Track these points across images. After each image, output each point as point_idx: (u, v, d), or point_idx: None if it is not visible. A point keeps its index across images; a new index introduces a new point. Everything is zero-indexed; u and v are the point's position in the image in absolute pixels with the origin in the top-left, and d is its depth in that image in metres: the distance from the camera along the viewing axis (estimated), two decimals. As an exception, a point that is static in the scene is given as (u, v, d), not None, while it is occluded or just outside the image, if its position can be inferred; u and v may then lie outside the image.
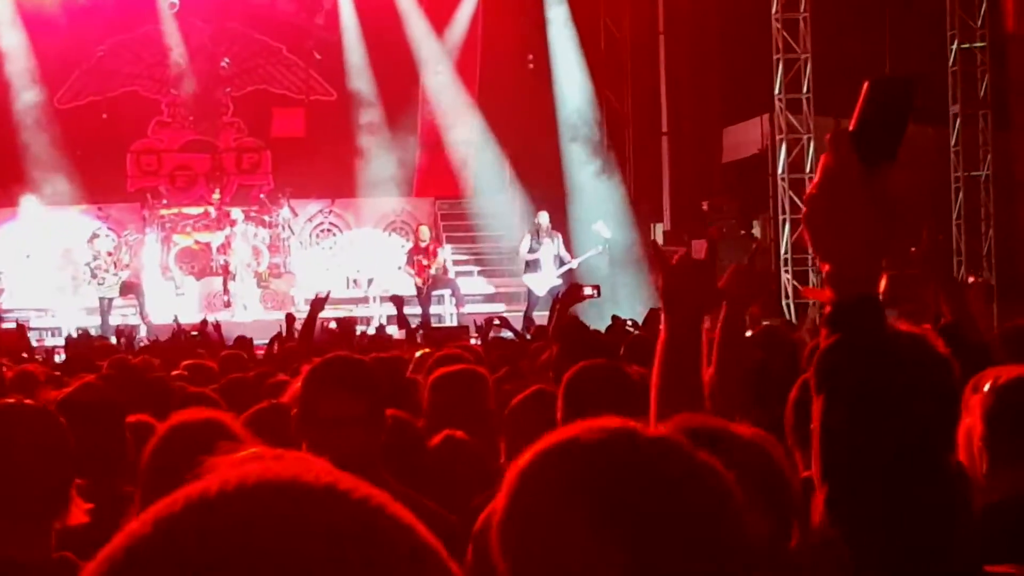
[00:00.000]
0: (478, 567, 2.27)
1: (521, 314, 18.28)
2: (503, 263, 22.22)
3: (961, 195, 19.81)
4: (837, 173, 1.90)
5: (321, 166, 21.94)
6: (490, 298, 21.45)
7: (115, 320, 19.26)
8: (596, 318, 13.57)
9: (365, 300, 20.85)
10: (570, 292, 9.24)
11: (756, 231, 21.27)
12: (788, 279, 19.69)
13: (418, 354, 8.00)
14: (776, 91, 19.89)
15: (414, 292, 19.36)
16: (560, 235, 20.04)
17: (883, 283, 1.91)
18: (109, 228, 21.50)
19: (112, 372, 7.21)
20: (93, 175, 21.68)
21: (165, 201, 22.27)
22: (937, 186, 19.64)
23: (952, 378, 2.23)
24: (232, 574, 0.86)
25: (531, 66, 22.64)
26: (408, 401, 5.08)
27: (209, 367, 8.08)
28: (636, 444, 1.50)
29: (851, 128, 1.91)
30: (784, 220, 19.81)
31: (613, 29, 23.07)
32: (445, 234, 22.41)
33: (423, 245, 19.86)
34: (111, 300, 19.44)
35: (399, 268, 20.36)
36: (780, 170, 19.94)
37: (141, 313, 19.39)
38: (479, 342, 11.12)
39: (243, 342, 11.98)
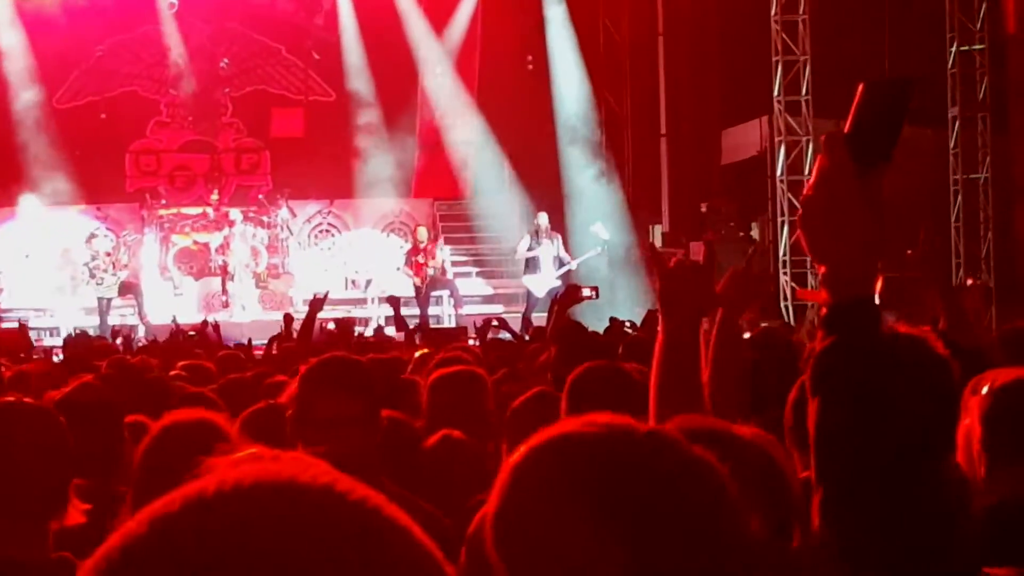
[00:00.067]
0: (471, 570, 2.27)
1: (520, 315, 18.28)
2: (502, 264, 22.22)
3: (960, 198, 19.81)
4: (832, 175, 1.90)
5: (320, 167, 21.95)
6: (488, 299, 21.45)
7: (114, 320, 19.25)
8: (594, 319, 13.57)
9: (363, 301, 20.85)
10: (568, 293, 9.24)
11: (755, 233, 21.28)
12: (786, 281, 19.69)
13: (417, 355, 8.01)
14: (775, 93, 19.90)
15: (412, 293, 19.37)
16: (560, 236, 20.04)
17: (879, 285, 1.91)
18: (108, 228, 21.50)
19: (111, 372, 7.21)
20: (92, 175, 21.68)
21: (164, 201, 22.28)
22: (936, 189, 19.65)
23: (951, 379, 2.22)
24: (229, 574, 0.86)
25: (530, 67, 22.65)
26: (406, 402, 5.08)
27: (207, 367, 8.07)
28: (632, 439, 1.49)
29: (846, 130, 1.91)
30: (783, 222, 19.82)
31: (612, 30, 23.07)
32: (444, 235, 22.40)
33: (421, 246, 19.86)
34: (110, 300, 19.44)
35: (398, 269, 20.35)
36: (779, 172, 19.94)
37: (140, 313, 19.38)
38: (477, 343, 11.12)
39: (242, 348, 11.98)
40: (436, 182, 23.10)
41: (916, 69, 18.37)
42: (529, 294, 19.51)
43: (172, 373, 7.56)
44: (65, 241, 21.35)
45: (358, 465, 1.40)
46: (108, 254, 19.70)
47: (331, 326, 11.97)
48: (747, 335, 5.84)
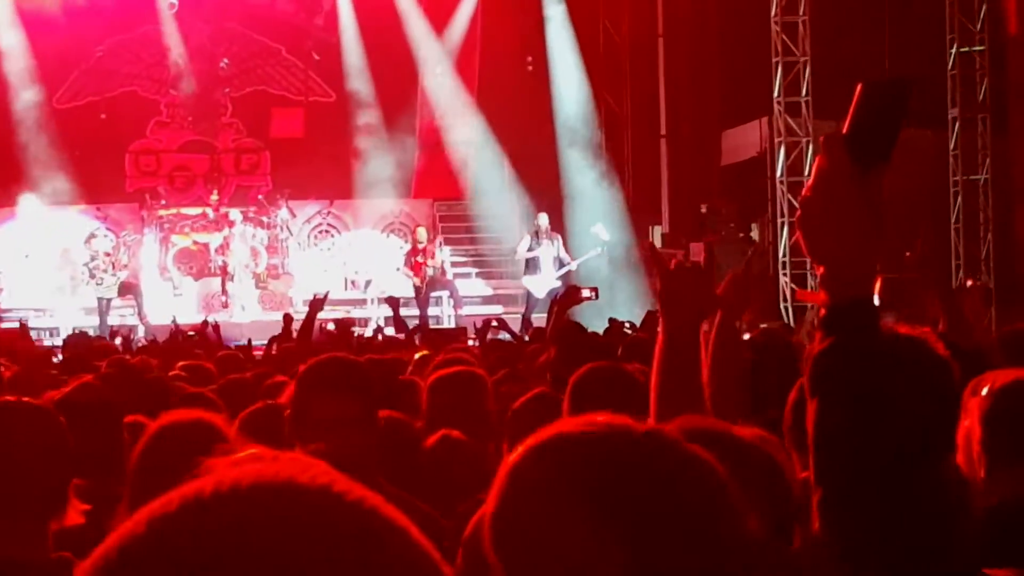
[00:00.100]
0: (468, 571, 2.27)
1: (519, 316, 18.28)
2: (502, 265, 22.23)
3: (960, 199, 19.81)
4: (831, 176, 1.89)
5: (320, 167, 21.94)
6: (488, 300, 21.46)
7: (114, 320, 19.26)
8: (594, 320, 13.57)
9: (363, 302, 20.85)
10: (568, 294, 9.24)
11: (754, 234, 21.28)
12: (786, 282, 19.69)
13: (417, 356, 8.01)
14: (775, 94, 19.89)
15: (412, 294, 19.38)
16: (560, 237, 20.05)
17: (878, 286, 1.91)
18: (108, 228, 21.49)
19: (110, 372, 7.21)
20: (92, 175, 21.67)
21: (164, 202, 22.28)
22: (936, 190, 19.64)
23: (952, 380, 2.22)
24: (227, 574, 0.86)
25: (530, 68, 22.66)
26: (405, 402, 5.08)
27: (206, 368, 8.07)
28: (631, 439, 1.49)
29: (844, 131, 1.90)
30: (783, 223, 19.82)
31: (612, 31, 23.07)
32: (444, 235, 22.41)
33: (421, 246, 19.87)
34: (109, 301, 19.44)
35: (397, 270, 20.36)
36: (779, 173, 19.94)
37: (139, 314, 19.38)
38: (477, 344, 11.13)
39: (242, 349, 11.97)
40: (436, 183, 23.10)
41: (916, 70, 18.37)
42: (529, 295, 19.51)
43: (171, 373, 7.55)
44: (65, 241, 21.35)
45: (355, 465, 1.40)
46: (108, 254, 19.70)
47: (330, 327, 11.97)
48: (746, 336, 5.85)
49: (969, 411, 3.21)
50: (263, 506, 0.90)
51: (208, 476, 0.92)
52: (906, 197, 16.25)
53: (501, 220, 22.32)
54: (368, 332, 16.63)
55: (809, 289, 18.51)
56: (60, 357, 11.47)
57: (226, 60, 22.75)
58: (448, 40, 22.83)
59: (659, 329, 3.06)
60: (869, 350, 1.87)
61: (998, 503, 3.05)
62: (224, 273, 20.63)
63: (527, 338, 11.69)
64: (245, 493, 0.90)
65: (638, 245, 20.81)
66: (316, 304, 9.16)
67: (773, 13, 19.77)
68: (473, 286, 21.78)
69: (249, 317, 19.69)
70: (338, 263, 22.15)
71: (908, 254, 5.33)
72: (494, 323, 12.21)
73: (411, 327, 14.60)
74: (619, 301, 19.23)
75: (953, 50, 19.62)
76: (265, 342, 11.60)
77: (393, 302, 14.02)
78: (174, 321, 15.66)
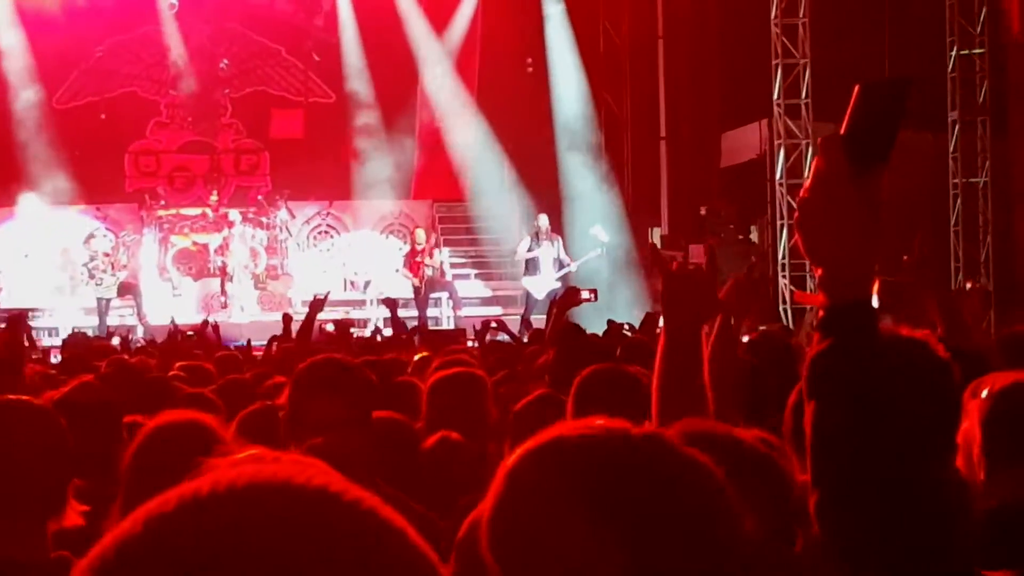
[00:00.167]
0: (462, 573, 2.27)
1: (519, 317, 18.29)
2: (501, 266, 22.22)
3: (959, 202, 19.82)
4: (829, 177, 1.89)
5: (319, 168, 21.95)
6: (487, 301, 21.45)
7: (113, 321, 19.25)
8: (593, 322, 13.56)
9: (362, 303, 20.85)
10: (567, 296, 9.23)
11: (754, 236, 21.28)
12: (785, 284, 19.69)
13: (417, 357, 8.01)
14: (775, 96, 19.89)
15: (411, 295, 19.38)
16: (560, 238, 20.05)
17: (876, 288, 1.90)
18: (107, 228, 21.49)
19: (110, 372, 7.21)
20: (91, 175, 21.66)
21: (163, 202, 22.27)
22: (935, 192, 19.65)
23: (952, 381, 2.22)
24: (224, 574, 0.86)
25: (530, 70, 22.66)
26: (405, 404, 5.08)
27: (205, 368, 8.06)
28: (628, 442, 1.49)
29: (842, 132, 1.90)
30: (782, 225, 19.83)
31: (612, 33, 23.07)
32: (443, 236, 22.41)
33: (420, 248, 19.87)
34: (109, 301, 19.44)
35: (396, 271, 20.36)
36: (778, 175, 19.94)
37: (139, 314, 19.38)
38: (476, 345, 11.12)
39: (242, 350, 11.97)
40: (435, 183, 23.10)
41: (916, 72, 18.37)
42: (528, 296, 19.51)
43: (170, 374, 7.55)
44: (64, 241, 21.34)
45: (350, 466, 1.39)
46: (107, 254, 19.70)
47: (329, 327, 11.96)
48: (745, 339, 5.85)
49: (969, 413, 3.21)
50: (260, 506, 0.90)
51: (206, 476, 0.92)
52: (906, 199, 16.26)
53: (500, 221, 22.32)
54: (367, 333, 16.63)
55: (808, 291, 18.51)
56: (59, 357, 11.47)
57: (226, 61, 22.75)
58: (448, 40, 22.83)
59: (660, 331, 3.06)
60: (867, 351, 1.87)
61: (998, 505, 3.05)
62: (223, 274, 20.63)
63: (526, 339, 11.69)
64: (242, 493, 0.90)
65: (637, 247, 20.81)
66: (316, 304, 9.14)
67: (773, 15, 19.78)
68: (472, 287, 21.79)
69: (248, 318, 19.69)
70: (337, 264, 22.15)
71: (905, 257, 5.33)
72: (493, 324, 12.21)
73: (410, 328, 14.59)
74: (618, 303, 19.22)
75: (953, 52, 19.63)
76: (264, 343, 11.59)
77: (391, 303, 14.01)
78: (173, 321, 15.66)
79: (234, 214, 21.39)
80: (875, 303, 1.92)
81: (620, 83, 23.27)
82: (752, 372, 4.65)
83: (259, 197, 21.99)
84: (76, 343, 13.02)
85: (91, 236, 20.51)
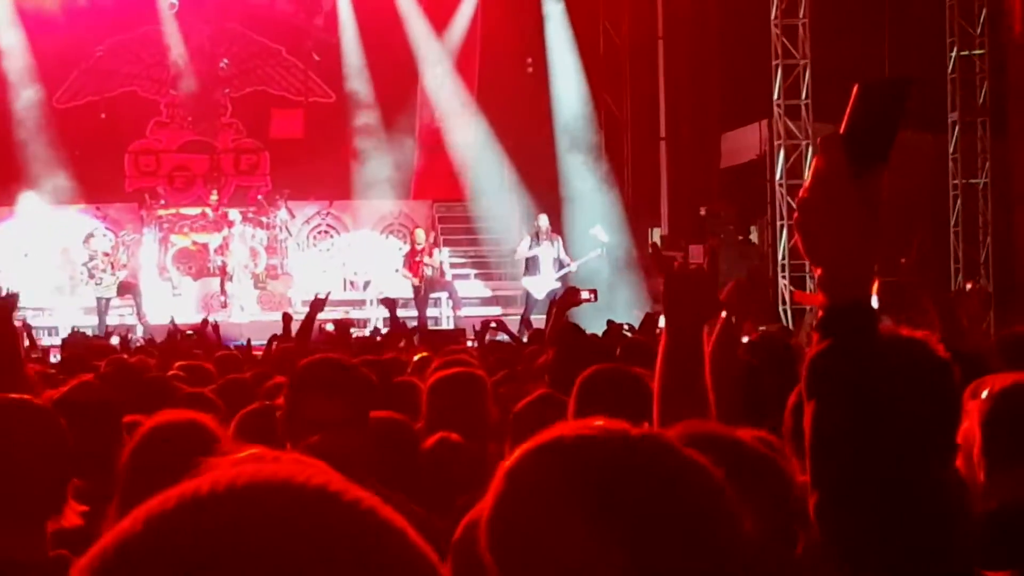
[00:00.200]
0: (459, 574, 2.27)
1: (518, 317, 18.29)
2: (501, 266, 22.23)
3: (959, 202, 19.82)
4: (828, 177, 1.89)
5: (319, 168, 21.95)
6: (487, 301, 21.46)
7: (113, 320, 19.25)
8: (593, 322, 13.56)
9: (362, 302, 20.86)
10: (567, 296, 9.22)
11: (754, 236, 21.29)
12: (785, 284, 19.69)
13: (416, 357, 8.01)
14: (775, 97, 19.89)
15: (411, 295, 19.38)
16: (560, 238, 20.05)
17: (875, 289, 1.90)
18: (107, 228, 21.49)
19: (109, 372, 7.20)
20: (91, 175, 21.66)
21: (163, 201, 22.28)
22: (935, 193, 19.66)
23: (952, 382, 2.22)
24: (223, 574, 0.86)
25: (530, 70, 22.66)
26: (404, 404, 5.08)
27: (205, 368, 8.06)
28: (627, 442, 1.49)
29: (841, 131, 1.90)
30: (782, 226, 19.83)
31: (612, 33, 23.08)
32: (443, 236, 22.41)
33: (419, 248, 19.88)
34: (108, 300, 19.44)
35: (396, 271, 20.36)
36: (778, 176, 19.95)
37: (138, 313, 19.38)
38: (475, 344, 11.12)
39: (242, 350, 11.97)
40: (435, 183, 23.11)
41: (916, 73, 18.36)
42: (528, 296, 19.51)
43: (170, 373, 7.54)
44: (64, 240, 21.34)
45: (347, 466, 1.39)
46: (107, 254, 19.70)
47: (329, 327, 11.95)
48: (745, 339, 5.85)
49: (969, 414, 3.21)
50: (260, 505, 0.90)
51: (205, 475, 0.92)
52: (906, 200, 16.26)
53: (500, 221, 22.33)
54: (366, 333, 16.62)
55: (808, 291, 18.51)
56: (59, 356, 11.47)
57: (226, 60, 22.75)
58: (448, 40, 22.83)
59: (661, 331, 3.06)
60: (867, 352, 1.87)
61: (998, 506, 3.05)
62: (223, 273, 20.63)
63: (526, 339, 11.69)
64: (242, 492, 0.90)
65: (637, 247, 20.81)
66: (317, 304, 9.14)
67: (773, 15, 19.78)
68: (472, 287, 21.79)
69: (248, 317, 19.69)
70: (337, 264, 22.15)
71: (903, 260, 5.34)
72: (493, 324, 12.20)
73: (409, 328, 14.58)
74: (618, 303, 19.22)
75: (953, 53, 19.63)
76: (264, 342, 11.58)
77: (390, 303, 14.00)
78: (172, 321, 15.65)
79: (234, 214, 21.40)
80: (875, 303, 1.91)
81: (620, 83, 23.27)
82: (752, 373, 4.65)
83: (259, 197, 21.99)
84: (76, 342, 13.02)
85: (91, 235, 20.50)
